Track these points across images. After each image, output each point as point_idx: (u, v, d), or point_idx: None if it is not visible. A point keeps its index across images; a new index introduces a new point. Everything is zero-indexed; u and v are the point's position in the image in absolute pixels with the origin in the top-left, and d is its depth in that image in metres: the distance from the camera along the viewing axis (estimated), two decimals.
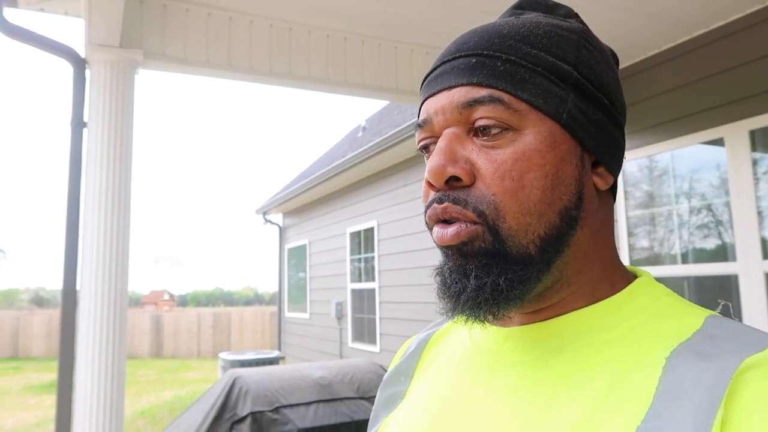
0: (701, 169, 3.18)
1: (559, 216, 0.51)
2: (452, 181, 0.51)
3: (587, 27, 0.57)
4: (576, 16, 0.58)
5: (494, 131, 0.50)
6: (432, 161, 0.51)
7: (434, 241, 0.53)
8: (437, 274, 0.53)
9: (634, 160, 3.50)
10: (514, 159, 0.50)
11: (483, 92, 0.51)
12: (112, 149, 2.51)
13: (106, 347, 2.43)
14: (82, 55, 2.59)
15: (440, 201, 0.51)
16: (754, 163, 2.85)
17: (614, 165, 0.55)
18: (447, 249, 0.52)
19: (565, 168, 0.51)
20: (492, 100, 0.50)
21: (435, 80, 0.55)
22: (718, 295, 3.08)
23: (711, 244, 3.18)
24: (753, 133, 2.85)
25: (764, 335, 0.45)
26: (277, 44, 2.96)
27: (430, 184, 0.53)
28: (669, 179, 3.35)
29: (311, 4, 2.79)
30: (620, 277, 0.56)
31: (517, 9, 0.60)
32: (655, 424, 0.41)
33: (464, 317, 0.51)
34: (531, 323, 0.54)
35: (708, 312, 0.50)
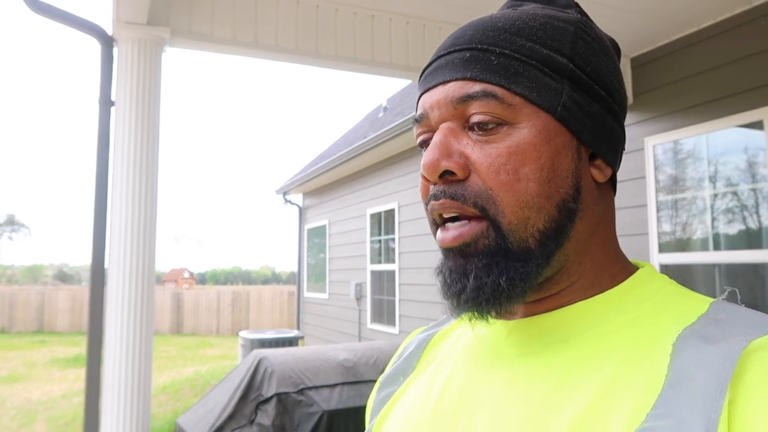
0: (736, 152, 3.08)
1: (557, 209, 0.50)
2: (447, 175, 0.51)
3: (586, 17, 0.56)
4: (575, 6, 0.57)
5: (490, 126, 0.50)
6: (427, 155, 0.51)
7: (437, 243, 0.53)
8: (438, 273, 0.53)
9: (667, 144, 3.40)
10: (509, 153, 0.50)
11: (477, 87, 0.51)
12: (140, 127, 2.51)
13: (134, 323, 2.45)
14: (109, 32, 2.57)
15: (436, 197, 0.52)
16: None
17: (612, 157, 0.55)
18: (448, 251, 0.52)
19: (561, 161, 0.51)
20: (486, 95, 0.50)
21: (431, 75, 0.55)
22: (750, 284, 3.01)
23: (744, 231, 3.09)
24: None
25: None
26: (304, 22, 2.92)
27: (425, 179, 0.53)
28: (702, 163, 3.26)
29: None
30: (622, 269, 0.55)
31: (516, 0, 0.60)
32: (665, 410, 0.41)
33: (467, 315, 0.51)
34: (534, 315, 0.54)
35: (712, 299, 0.50)
